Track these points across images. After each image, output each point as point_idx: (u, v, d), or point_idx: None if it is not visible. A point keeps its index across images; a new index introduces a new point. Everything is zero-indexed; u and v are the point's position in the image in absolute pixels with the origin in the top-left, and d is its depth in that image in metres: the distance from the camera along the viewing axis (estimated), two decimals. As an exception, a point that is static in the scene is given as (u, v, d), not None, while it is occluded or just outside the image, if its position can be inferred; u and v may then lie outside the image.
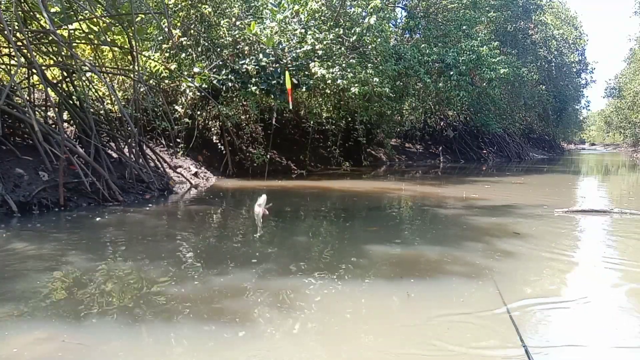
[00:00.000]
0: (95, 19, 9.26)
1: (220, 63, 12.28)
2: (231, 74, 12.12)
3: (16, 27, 7.85)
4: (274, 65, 12.30)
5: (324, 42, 12.96)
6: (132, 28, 9.37)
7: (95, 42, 10.07)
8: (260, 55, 12.18)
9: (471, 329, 3.47)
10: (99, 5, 9.76)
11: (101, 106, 10.69)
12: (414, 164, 24.09)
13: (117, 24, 9.79)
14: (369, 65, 13.96)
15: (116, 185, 8.58)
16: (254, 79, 12.05)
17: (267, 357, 3.01)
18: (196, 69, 11.53)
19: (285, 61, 12.51)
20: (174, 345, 3.12)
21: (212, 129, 14.01)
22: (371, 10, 13.88)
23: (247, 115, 14.39)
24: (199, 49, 12.48)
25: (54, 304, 3.73)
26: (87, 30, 9.58)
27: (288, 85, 6.37)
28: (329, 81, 12.80)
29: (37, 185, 7.58)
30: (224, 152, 13.83)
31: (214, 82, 11.82)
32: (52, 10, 8.50)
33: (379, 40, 14.18)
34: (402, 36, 20.41)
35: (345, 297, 4.10)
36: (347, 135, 19.77)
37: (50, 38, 8.79)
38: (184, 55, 12.39)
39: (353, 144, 20.03)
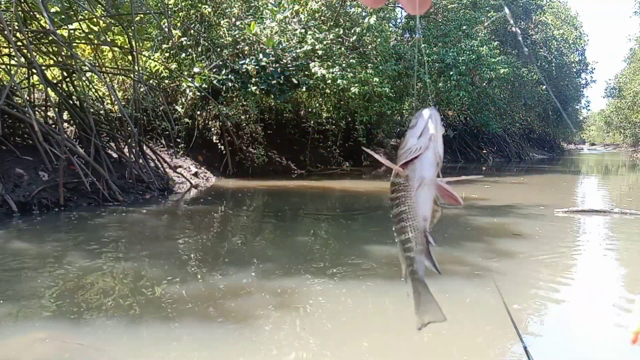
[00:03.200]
0: (95, 19, 9.26)
1: (220, 63, 12.28)
2: (231, 74, 12.12)
3: (16, 27, 7.85)
4: (274, 65, 12.30)
5: (324, 42, 12.96)
6: (132, 28, 9.37)
7: (95, 42, 10.07)
8: (260, 55, 12.18)
9: (471, 328, 3.47)
10: (99, 5, 9.76)
11: (101, 106, 10.69)
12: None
13: (117, 24, 9.79)
14: (369, 65, 13.96)
15: (116, 185, 8.58)
16: (254, 79, 12.05)
17: (268, 357, 3.00)
18: (196, 69, 11.52)
19: (285, 61, 12.51)
20: (173, 345, 3.12)
21: (212, 129, 14.01)
22: (371, 10, 13.86)
23: (247, 115, 14.38)
24: (199, 49, 12.48)
25: (54, 304, 3.73)
26: (87, 30, 9.58)
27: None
28: (329, 81, 12.80)
29: (37, 185, 7.58)
30: (224, 152, 13.82)
31: (214, 82, 11.82)
32: (52, 10, 8.49)
33: (379, 40, 14.18)
34: (402, 36, 20.42)
35: (346, 297, 4.10)
36: (347, 135, 19.76)
37: (50, 38, 8.79)
38: (184, 55, 12.38)
39: (353, 144, 20.02)
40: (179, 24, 12.26)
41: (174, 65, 12.04)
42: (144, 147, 10.57)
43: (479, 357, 3.08)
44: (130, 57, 10.77)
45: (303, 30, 13.14)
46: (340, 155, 18.47)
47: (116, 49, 10.67)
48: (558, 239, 6.50)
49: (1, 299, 3.74)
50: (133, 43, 9.86)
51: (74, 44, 9.77)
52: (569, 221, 7.92)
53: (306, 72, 12.88)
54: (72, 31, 9.21)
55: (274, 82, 12.20)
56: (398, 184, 0.80)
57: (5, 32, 7.57)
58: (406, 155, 0.79)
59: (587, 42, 47.34)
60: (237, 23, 12.63)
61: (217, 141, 13.86)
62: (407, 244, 0.83)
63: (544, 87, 34.89)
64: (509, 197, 10.87)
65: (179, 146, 13.12)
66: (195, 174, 12.27)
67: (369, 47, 14.13)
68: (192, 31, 12.45)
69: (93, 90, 10.46)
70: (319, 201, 10.38)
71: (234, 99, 13.12)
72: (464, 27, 18.70)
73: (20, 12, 8.32)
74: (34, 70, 8.63)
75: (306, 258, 5.22)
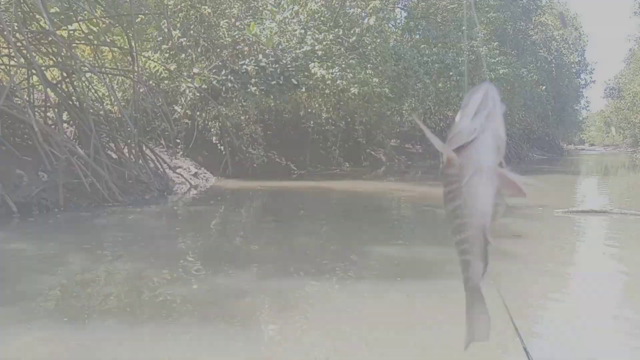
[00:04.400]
0: (94, 20, 9.27)
1: (220, 63, 12.29)
2: (231, 74, 12.12)
3: (16, 28, 7.85)
4: (273, 66, 12.30)
5: (324, 43, 12.97)
6: (132, 28, 9.37)
7: (95, 42, 10.07)
8: (260, 56, 12.19)
9: (471, 329, 3.47)
10: (98, 6, 9.76)
11: (101, 107, 10.69)
12: (413, 165, 24.09)
13: (117, 25, 9.79)
14: (369, 65, 13.97)
15: (116, 186, 8.57)
16: (253, 80, 12.05)
17: (268, 357, 3.00)
18: (196, 70, 11.53)
19: (284, 62, 12.51)
20: (174, 345, 3.12)
21: (212, 130, 14.00)
22: (371, 10, 13.88)
23: (247, 116, 14.38)
24: (199, 50, 12.48)
25: (54, 304, 3.73)
26: (86, 31, 9.58)
27: None
28: (329, 81, 12.81)
29: (37, 185, 7.58)
30: (223, 152, 13.82)
31: (214, 82, 11.82)
32: (52, 10, 8.49)
33: (379, 40, 14.18)
34: (401, 37, 20.42)
35: (346, 298, 4.10)
36: (347, 135, 19.76)
37: (50, 38, 8.79)
38: (183, 55, 12.38)
39: (353, 144, 20.03)
40: (178, 25, 12.26)
41: (173, 66, 12.05)
42: (144, 148, 10.57)
43: (479, 357, 3.07)
44: (129, 58, 10.77)
45: (303, 31, 13.14)
46: (340, 155, 18.48)
47: (116, 49, 10.67)
48: (558, 239, 6.50)
49: (1, 299, 3.74)
50: (133, 44, 9.86)
51: (74, 45, 9.77)
52: (569, 221, 7.92)
53: (306, 73, 12.89)
54: (71, 32, 9.22)
55: (274, 82, 12.21)
56: (451, 175, 0.66)
57: (5, 33, 7.57)
58: (457, 140, 0.63)
59: (586, 43, 47.38)
60: (237, 24, 12.64)
61: (217, 142, 13.86)
62: (463, 244, 0.67)
63: (544, 87, 34.91)
64: (509, 197, 10.87)
65: (179, 147, 13.12)
66: (195, 175, 12.26)
67: (369, 47, 14.13)
68: (191, 32, 12.46)
69: (93, 90, 10.46)
70: (319, 201, 10.38)
71: (234, 100, 13.12)
72: (464, 28, 18.72)
73: (20, 13, 8.32)
74: (34, 71, 8.63)
75: (306, 258, 5.22)
